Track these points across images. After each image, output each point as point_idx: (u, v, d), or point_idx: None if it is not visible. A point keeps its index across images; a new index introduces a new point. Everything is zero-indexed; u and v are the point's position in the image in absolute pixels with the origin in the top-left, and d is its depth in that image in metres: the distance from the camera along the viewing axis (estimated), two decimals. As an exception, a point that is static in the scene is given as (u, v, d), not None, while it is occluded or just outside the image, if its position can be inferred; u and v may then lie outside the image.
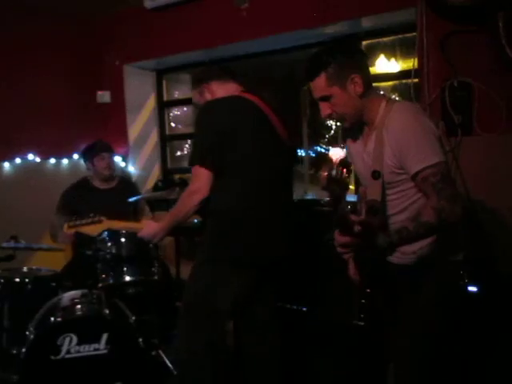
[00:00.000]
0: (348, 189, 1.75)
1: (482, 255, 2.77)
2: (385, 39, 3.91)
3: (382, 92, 2.21)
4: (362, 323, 2.03)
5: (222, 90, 2.63)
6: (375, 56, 3.96)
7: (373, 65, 3.97)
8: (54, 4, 4.35)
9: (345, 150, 2.14)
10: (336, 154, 1.72)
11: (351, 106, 2.05)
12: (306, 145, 5.04)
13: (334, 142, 5.79)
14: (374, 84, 3.82)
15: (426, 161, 1.90)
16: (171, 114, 5.27)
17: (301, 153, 5.07)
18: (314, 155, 5.79)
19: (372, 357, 2.35)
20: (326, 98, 2.05)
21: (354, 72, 2.03)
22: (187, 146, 5.37)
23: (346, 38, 3.86)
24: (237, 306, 2.51)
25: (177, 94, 5.27)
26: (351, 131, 2.19)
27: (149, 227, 2.57)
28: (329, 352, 2.84)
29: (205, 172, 2.38)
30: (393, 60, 3.90)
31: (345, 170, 1.72)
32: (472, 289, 2.62)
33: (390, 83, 3.92)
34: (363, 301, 2.02)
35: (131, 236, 3.12)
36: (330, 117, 2.09)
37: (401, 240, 1.89)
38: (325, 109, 2.07)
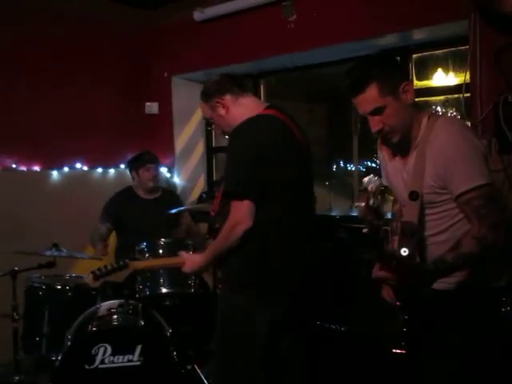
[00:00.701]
0: (384, 218, 1.65)
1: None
2: (436, 52, 3.78)
3: (430, 107, 2.08)
4: (403, 351, 1.92)
5: (238, 105, 2.45)
6: (426, 69, 3.83)
7: (424, 78, 3.85)
8: (104, 15, 4.46)
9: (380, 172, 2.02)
10: (371, 182, 1.62)
11: (404, 116, 1.92)
12: (356, 159, 4.93)
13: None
14: (425, 98, 3.81)
15: (471, 182, 1.79)
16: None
17: (350, 167, 4.97)
18: (363, 170, 5.68)
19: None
20: (378, 111, 1.90)
21: (404, 80, 1.93)
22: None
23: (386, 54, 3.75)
24: (273, 335, 2.40)
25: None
26: (393, 147, 2.07)
27: (192, 261, 2.45)
28: (366, 377, 2.73)
29: (245, 203, 2.21)
30: (444, 73, 3.76)
31: (380, 197, 1.63)
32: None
33: (442, 97, 3.78)
34: (404, 329, 1.90)
35: (169, 247, 3.10)
36: (381, 132, 1.94)
37: (438, 271, 1.80)
38: (376, 124, 1.92)
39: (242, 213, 2.22)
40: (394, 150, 2.08)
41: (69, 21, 4.38)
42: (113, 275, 2.59)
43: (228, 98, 2.45)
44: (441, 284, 1.91)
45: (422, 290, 1.83)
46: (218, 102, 2.45)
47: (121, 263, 2.55)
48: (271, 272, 2.32)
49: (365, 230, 1.66)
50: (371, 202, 1.60)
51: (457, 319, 1.90)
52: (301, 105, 5.78)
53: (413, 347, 1.91)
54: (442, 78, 3.76)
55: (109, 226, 3.82)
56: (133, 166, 4.02)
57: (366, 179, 1.63)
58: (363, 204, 1.61)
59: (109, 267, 2.53)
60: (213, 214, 3.02)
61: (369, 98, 1.89)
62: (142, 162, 3.95)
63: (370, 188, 1.60)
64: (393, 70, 1.95)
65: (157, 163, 4.00)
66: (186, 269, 2.47)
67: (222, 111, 2.45)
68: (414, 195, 1.88)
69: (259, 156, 2.24)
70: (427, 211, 1.93)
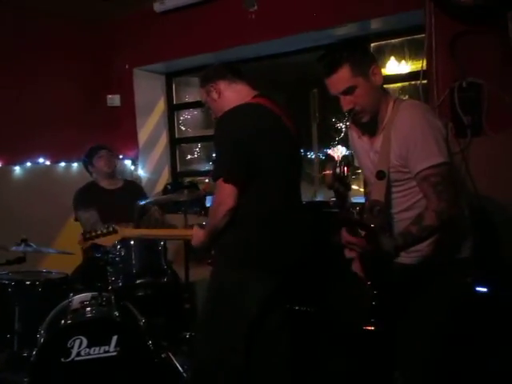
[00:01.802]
0: (350, 188, 1.73)
1: (492, 255, 2.76)
2: (394, 41, 3.90)
3: (391, 94, 2.19)
4: (373, 328, 2.01)
5: (230, 90, 2.58)
6: (384, 58, 3.95)
7: (382, 66, 3.96)
8: (64, 8, 4.40)
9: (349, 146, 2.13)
10: (338, 151, 1.70)
11: (373, 97, 2.04)
12: (315, 147, 5.03)
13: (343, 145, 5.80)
14: (384, 85, 3.93)
15: (429, 160, 1.91)
16: (181, 118, 5.29)
17: (310, 155, 5.07)
18: (323, 157, 5.81)
19: (381, 362, 2.34)
20: (349, 91, 2.01)
21: (373, 63, 2.06)
22: (197, 149, 5.38)
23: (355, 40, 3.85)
24: (262, 311, 2.48)
25: (187, 98, 5.29)
26: (362, 127, 2.17)
27: (197, 236, 2.53)
28: (337, 355, 2.83)
29: (227, 186, 2.32)
30: (402, 62, 3.89)
31: (346, 168, 1.70)
32: (481, 289, 2.60)
33: (399, 85, 3.91)
34: (373, 303, 1.99)
35: (140, 238, 3.12)
36: (351, 111, 2.04)
37: (405, 244, 1.90)
38: (347, 103, 2.03)
39: (224, 194, 2.33)
40: (363, 130, 2.18)
41: (27, 15, 4.32)
42: (102, 239, 2.63)
43: (221, 83, 2.57)
44: (407, 258, 2.02)
45: (389, 260, 1.91)
46: (212, 87, 2.58)
47: (110, 228, 2.61)
48: (262, 250, 2.41)
49: (332, 199, 1.74)
50: (337, 170, 1.67)
51: (424, 290, 2.01)
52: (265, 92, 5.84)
53: (383, 321, 2.01)
54: (400, 66, 3.89)
55: (93, 213, 3.77)
56: (87, 160, 4.02)
57: (332, 149, 1.71)
58: (330, 172, 1.69)
59: (98, 231, 2.60)
60: (203, 192, 3.08)
61: (341, 77, 2.01)
62: (93, 152, 3.98)
63: (336, 157, 1.68)
64: (363, 53, 2.08)
65: (107, 149, 4.01)
66: (193, 242, 2.56)
67: (216, 95, 2.58)
68: (380, 174, 2.00)
69: (244, 141, 2.35)
70: (393, 189, 2.04)
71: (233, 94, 2.56)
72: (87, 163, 4.03)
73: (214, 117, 2.67)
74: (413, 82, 3.71)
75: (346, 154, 1.70)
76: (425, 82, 3.34)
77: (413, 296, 2.02)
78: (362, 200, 2.91)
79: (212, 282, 2.53)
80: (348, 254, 1.91)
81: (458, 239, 2.07)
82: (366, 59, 2.05)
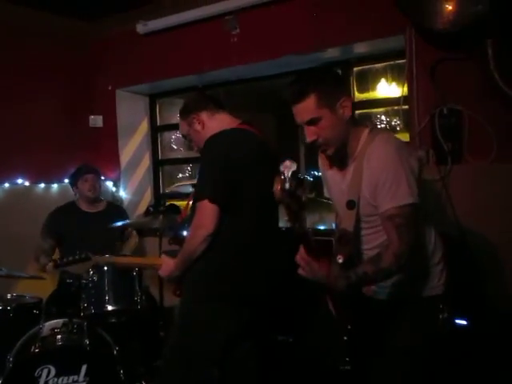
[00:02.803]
0: (304, 206, 1.66)
1: (472, 284, 2.71)
2: (376, 65, 3.89)
3: (372, 118, 2.14)
4: (348, 367, 1.95)
5: (213, 121, 2.56)
6: (367, 82, 3.94)
7: (364, 91, 3.95)
8: (45, 29, 4.37)
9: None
10: (288, 167, 1.62)
11: (339, 130, 1.96)
12: (303, 169, 4.99)
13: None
14: (366, 110, 3.92)
15: (396, 200, 1.85)
16: (172, 138, 5.22)
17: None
18: (311, 179, 5.77)
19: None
20: (313, 122, 1.94)
21: (343, 95, 1.97)
22: (187, 170, 5.33)
23: (325, 67, 3.85)
24: (231, 344, 2.42)
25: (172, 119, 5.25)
26: (331, 158, 2.12)
27: (167, 265, 2.46)
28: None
29: (212, 207, 2.26)
30: (384, 86, 3.87)
31: (296, 184, 1.63)
32: (461, 322, 2.55)
33: (382, 109, 3.89)
34: (345, 338, 1.93)
35: (113, 265, 3.05)
36: (315, 143, 1.98)
37: (359, 283, 1.85)
38: (310, 134, 1.96)
39: (205, 216, 2.28)
40: (332, 162, 2.13)
41: (7, 34, 4.27)
42: (74, 266, 2.56)
43: (204, 114, 2.57)
44: (380, 294, 1.97)
45: (344, 295, 1.86)
46: (195, 118, 2.56)
47: (83, 255, 2.56)
48: (233, 283, 2.34)
49: (285, 218, 1.68)
50: (286, 185, 1.61)
51: (397, 327, 1.96)
52: (247, 115, 5.82)
53: (355, 358, 1.95)
54: (382, 91, 3.87)
55: (51, 243, 3.74)
56: (72, 180, 3.99)
57: (281, 164, 1.64)
58: (278, 187, 1.62)
59: (70, 258, 2.54)
60: (180, 220, 3.05)
61: (306, 107, 1.94)
62: (79, 174, 3.93)
63: (285, 173, 1.61)
64: (333, 84, 2.00)
65: (94, 173, 3.95)
66: (161, 272, 2.50)
67: (198, 127, 2.56)
68: (351, 204, 1.95)
69: (228, 166, 2.31)
70: (364, 225, 1.99)
71: (216, 124, 2.53)
72: (72, 183, 3.98)
73: (195, 149, 2.63)
74: (395, 107, 3.70)
75: (296, 170, 1.61)
76: (406, 107, 3.32)
77: (386, 332, 1.96)
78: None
79: (179, 317, 2.46)
80: (301, 271, 1.83)
81: (433, 276, 2.02)
82: (335, 91, 1.96)
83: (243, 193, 2.35)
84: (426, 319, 2.00)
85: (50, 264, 2.53)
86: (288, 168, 1.61)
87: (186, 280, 2.45)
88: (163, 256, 2.52)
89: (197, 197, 2.35)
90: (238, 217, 2.35)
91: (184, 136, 2.68)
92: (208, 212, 2.28)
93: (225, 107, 2.68)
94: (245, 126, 2.52)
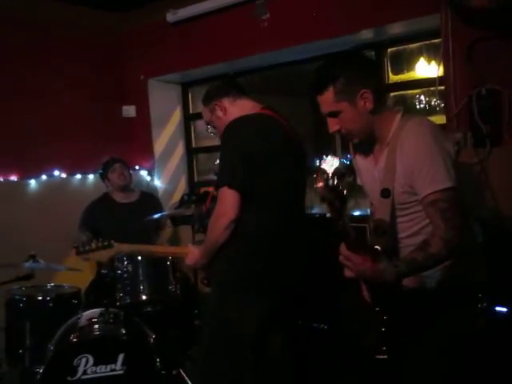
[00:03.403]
0: (346, 201, 1.61)
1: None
2: (411, 46, 3.77)
3: (397, 107, 2.06)
4: (385, 356, 1.90)
5: (235, 107, 2.53)
6: (401, 63, 3.83)
7: (399, 72, 3.84)
8: (79, 21, 4.41)
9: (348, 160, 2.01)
10: (329, 163, 1.57)
11: (360, 122, 1.92)
12: (339, 153, 4.92)
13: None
14: (401, 92, 3.81)
15: (437, 184, 1.78)
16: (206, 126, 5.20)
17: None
18: (348, 163, 5.70)
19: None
20: (333, 114, 1.92)
21: (364, 87, 1.90)
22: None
23: (358, 50, 3.76)
24: (263, 334, 2.40)
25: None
26: (362, 146, 2.06)
27: (192, 254, 2.46)
28: (347, 377, 2.73)
29: (232, 193, 2.24)
30: (419, 67, 3.75)
31: (339, 180, 1.59)
32: (501, 309, 2.47)
33: (418, 91, 3.79)
34: (382, 329, 1.89)
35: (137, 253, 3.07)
36: (338, 133, 1.95)
37: (409, 271, 1.78)
38: (332, 125, 1.94)
39: (226, 203, 2.26)
40: (362, 149, 2.08)
41: (42, 28, 4.34)
42: (96, 254, 2.54)
43: (226, 100, 2.53)
44: (418, 283, 1.91)
45: (391, 287, 1.80)
46: (217, 105, 2.53)
47: (105, 243, 2.53)
48: (258, 273, 2.32)
49: (328, 214, 1.63)
50: (330, 182, 1.57)
51: (434, 318, 1.90)
52: (283, 100, 5.76)
53: (392, 348, 1.90)
54: (417, 72, 3.76)
55: (88, 235, 3.80)
56: (102, 174, 4.07)
57: (324, 161, 1.59)
58: (321, 184, 1.58)
59: (93, 245, 2.52)
60: (204, 209, 3.04)
61: (325, 100, 1.92)
62: (107, 166, 4.02)
63: (327, 170, 1.57)
64: (354, 75, 1.92)
65: (122, 162, 4.02)
66: (188, 261, 2.50)
67: (220, 113, 2.53)
68: (385, 192, 1.89)
69: (248, 152, 2.28)
70: (399, 212, 1.93)
71: (238, 110, 2.49)
72: (103, 176, 4.07)
73: (218, 136, 2.60)
74: (432, 88, 3.59)
75: (338, 166, 1.56)
76: (442, 88, 3.21)
77: (422, 323, 1.90)
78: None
79: (209, 308, 2.46)
80: (347, 273, 1.79)
81: (471, 265, 1.94)
82: (355, 82, 1.90)
83: (267, 179, 2.32)
84: (465, 309, 1.93)
85: (73, 250, 2.53)
86: (330, 164, 1.57)
87: (213, 269, 2.45)
88: (189, 245, 2.51)
89: (217, 184, 2.34)
90: (263, 205, 2.33)
91: (207, 123, 2.65)
92: (228, 199, 2.26)
93: (247, 93, 2.64)
94: (266, 111, 2.48)
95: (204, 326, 2.52)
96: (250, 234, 2.31)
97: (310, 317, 3.18)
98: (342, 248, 1.75)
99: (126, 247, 2.65)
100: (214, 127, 2.61)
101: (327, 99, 1.91)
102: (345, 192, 1.60)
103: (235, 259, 2.34)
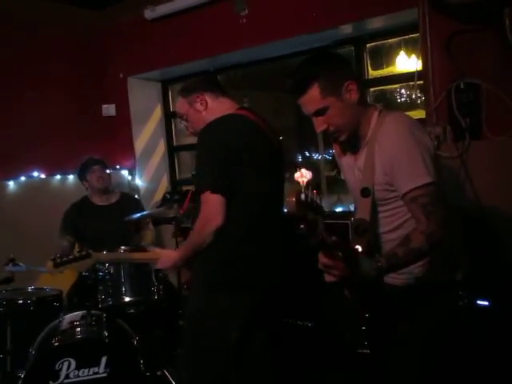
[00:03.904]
0: (323, 212, 1.60)
1: (493, 263, 2.64)
2: (390, 41, 3.77)
3: (375, 104, 2.05)
4: (367, 351, 1.90)
5: (216, 103, 2.51)
6: (380, 58, 3.83)
7: (378, 68, 3.85)
8: (54, 18, 4.35)
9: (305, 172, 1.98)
10: (303, 175, 1.55)
11: (349, 115, 1.90)
12: (321, 148, 4.92)
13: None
14: (381, 87, 3.82)
15: (417, 180, 1.78)
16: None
17: (316, 157, 4.96)
18: (330, 158, 5.70)
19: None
20: (320, 112, 1.88)
21: (348, 78, 1.89)
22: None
23: (337, 45, 3.79)
24: (245, 334, 2.38)
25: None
26: (343, 144, 2.05)
27: (167, 257, 2.45)
28: (330, 373, 2.74)
29: (216, 198, 2.22)
30: (398, 62, 3.76)
31: (315, 191, 1.57)
32: (482, 303, 2.48)
33: (397, 86, 3.79)
34: (363, 327, 1.89)
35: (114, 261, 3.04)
36: (326, 132, 1.92)
37: (390, 266, 1.76)
38: (319, 124, 1.90)
39: (212, 208, 2.24)
40: (345, 146, 2.06)
41: (16, 25, 4.26)
42: (74, 265, 2.51)
43: (208, 94, 2.50)
44: (397, 280, 1.92)
45: (372, 283, 1.79)
46: (198, 97, 2.49)
47: (83, 253, 2.50)
48: (240, 271, 2.32)
49: (302, 226, 1.61)
50: (303, 196, 1.54)
51: (414, 314, 1.90)
52: (266, 94, 5.74)
53: (374, 345, 1.90)
54: (397, 67, 3.76)
55: (69, 239, 3.76)
56: (81, 175, 4.00)
57: (297, 173, 1.57)
58: (293, 199, 1.55)
59: (70, 256, 2.49)
60: (182, 212, 3.02)
61: (310, 99, 1.87)
62: (86, 167, 3.94)
63: (301, 182, 1.55)
64: (335, 69, 1.91)
65: (101, 164, 3.95)
66: (160, 265, 2.47)
67: (201, 107, 2.49)
68: (365, 192, 1.88)
69: (227, 154, 2.26)
70: (380, 208, 1.92)
71: (219, 107, 2.47)
72: (81, 177, 4.00)
73: (190, 131, 2.57)
74: (411, 83, 3.59)
75: (311, 178, 1.55)
76: (421, 82, 3.22)
77: (403, 320, 1.90)
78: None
79: (189, 310, 2.44)
80: (328, 278, 1.78)
81: (451, 261, 1.94)
82: (338, 76, 1.88)
83: (242, 180, 2.30)
84: (445, 305, 1.93)
85: (50, 263, 2.48)
86: (303, 177, 1.55)
87: (193, 269, 2.44)
88: (157, 249, 2.55)
89: (198, 188, 2.32)
90: (240, 205, 2.30)
91: (181, 116, 2.60)
92: (213, 204, 2.23)
93: (227, 92, 2.61)
94: (242, 112, 2.47)
95: (185, 328, 2.48)
96: (228, 234, 2.28)
97: (295, 315, 3.17)
98: (320, 256, 1.72)
99: (103, 256, 2.64)
100: (187, 121, 2.55)
101: (313, 97, 1.87)
102: (318, 201, 1.59)
103: (213, 259, 2.33)
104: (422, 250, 1.76)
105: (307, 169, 1.58)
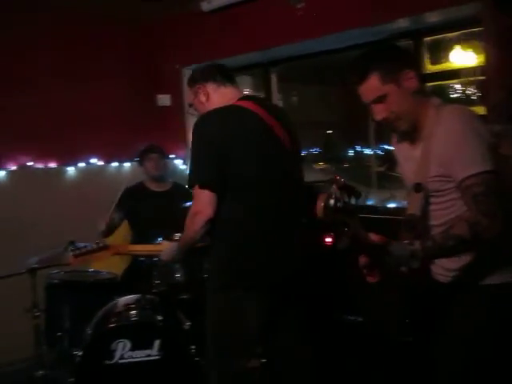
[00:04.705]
0: (355, 214, 1.61)
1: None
2: (449, 35, 3.70)
3: (434, 96, 2.03)
4: (411, 339, 1.91)
5: (218, 94, 2.46)
6: (439, 53, 3.76)
7: (437, 62, 3.78)
8: (113, 11, 4.47)
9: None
10: (334, 181, 1.58)
11: (408, 103, 1.90)
12: (372, 143, 4.87)
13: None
14: (439, 82, 3.75)
15: (472, 168, 1.75)
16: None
17: (367, 152, 4.93)
18: (382, 153, 5.62)
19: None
20: (379, 99, 1.89)
21: (407, 67, 1.90)
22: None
23: (394, 39, 3.72)
24: (263, 332, 2.38)
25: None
26: (401, 134, 2.05)
27: (169, 249, 2.53)
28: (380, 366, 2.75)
29: (204, 193, 2.22)
30: (458, 56, 3.68)
31: (346, 194, 1.58)
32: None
33: (455, 81, 3.72)
34: (407, 320, 1.89)
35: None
36: (386, 120, 1.93)
37: (425, 250, 1.74)
38: (379, 112, 1.91)
39: (201, 202, 2.25)
40: (403, 137, 2.06)
41: (76, 17, 4.40)
42: (93, 255, 2.63)
43: (210, 85, 2.47)
44: (445, 276, 1.91)
45: (409, 266, 1.76)
46: (200, 88, 2.48)
47: (101, 244, 2.61)
48: (252, 268, 2.31)
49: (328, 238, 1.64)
50: (331, 201, 1.56)
51: (465, 302, 1.88)
52: (314, 88, 5.73)
53: (418, 338, 1.90)
54: (456, 61, 3.69)
55: (121, 216, 3.87)
56: (139, 160, 4.11)
57: (329, 181, 1.60)
58: (322, 204, 1.57)
59: (89, 247, 2.60)
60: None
61: (370, 86, 1.89)
62: (144, 153, 4.05)
63: (331, 189, 1.57)
64: (394, 57, 1.93)
65: (158, 152, 4.04)
66: (162, 256, 2.57)
67: (203, 98, 2.48)
68: (417, 187, 1.88)
69: (218, 145, 2.24)
70: (434, 200, 1.91)
71: (219, 98, 2.44)
72: (140, 165, 4.11)
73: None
74: (470, 78, 3.52)
75: (343, 181, 1.58)
76: (482, 78, 3.16)
77: (454, 308, 1.89)
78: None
79: (208, 309, 2.45)
80: (370, 279, 1.78)
81: (507, 261, 1.88)
82: (397, 64, 1.90)
83: (242, 174, 2.27)
84: (496, 311, 1.87)
85: (71, 254, 2.59)
86: (334, 183, 1.58)
87: (208, 269, 2.48)
88: (164, 242, 2.59)
89: (188, 183, 2.33)
90: (243, 200, 2.30)
91: (190, 105, 2.61)
92: (201, 198, 2.24)
93: (234, 81, 2.55)
94: (243, 102, 2.39)
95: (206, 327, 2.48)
96: (235, 232, 2.30)
97: (345, 310, 3.19)
98: (360, 258, 1.76)
99: (121, 248, 2.82)
100: (195, 110, 2.55)
101: (372, 85, 1.89)
102: (353, 202, 1.60)
103: (225, 259, 2.34)
104: (464, 237, 1.72)
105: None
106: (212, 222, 2.26)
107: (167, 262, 2.60)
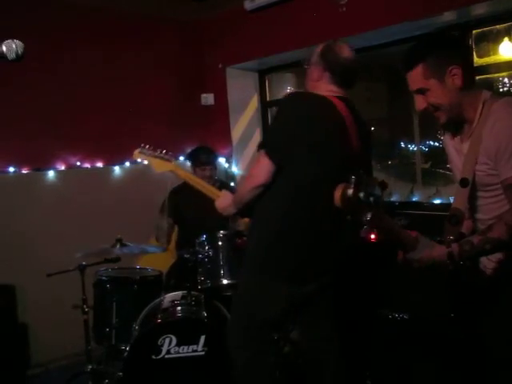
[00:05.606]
0: (376, 205, 1.59)
1: None
2: (497, 27, 3.61)
3: (484, 90, 1.99)
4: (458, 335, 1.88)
5: (320, 83, 2.40)
6: (487, 45, 3.67)
7: (485, 55, 3.69)
8: (157, 10, 4.53)
9: None
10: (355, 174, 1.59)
11: (449, 99, 1.90)
12: (417, 139, 4.79)
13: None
14: (486, 75, 3.66)
15: None
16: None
17: (412, 148, 4.85)
18: (426, 150, 5.53)
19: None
20: (421, 91, 1.92)
21: (454, 63, 1.88)
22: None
23: (441, 32, 3.63)
24: (287, 319, 2.47)
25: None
26: (451, 127, 2.03)
27: (225, 198, 2.58)
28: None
29: (265, 160, 2.24)
30: (507, 49, 3.58)
31: (371, 186, 1.57)
32: None
33: (504, 74, 3.62)
34: (452, 314, 1.86)
35: (228, 239, 3.14)
36: (426, 111, 1.95)
37: (461, 252, 1.73)
38: (420, 102, 1.94)
39: (259, 167, 2.28)
40: (454, 131, 2.04)
41: (122, 18, 4.50)
42: (154, 160, 2.86)
43: (326, 75, 2.42)
44: (489, 269, 1.88)
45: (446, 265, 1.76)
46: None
47: (166, 156, 2.83)
48: (289, 260, 2.32)
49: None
50: (349, 191, 1.56)
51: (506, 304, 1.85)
52: (359, 84, 5.67)
53: (464, 332, 1.87)
54: (505, 54, 3.59)
55: (170, 221, 3.90)
56: (191, 162, 4.06)
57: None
58: (338, 195, 1.58)
59: (155, 152, 2.82)
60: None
61: (415, 77, 1.93)
62: (198, 162, 3.94)
63: (351, 179, 1.57)
64: (443, 52, 1.92)
65: (212, 164, 3.95)
66: (217, 203, 2.63)
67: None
68: (463, 182, 1.87)
69: (295, 127, 2.25)
70: (483, 194, 1.90)
71: (322, 86, 2.40)
72: (191, 164, 4.03)
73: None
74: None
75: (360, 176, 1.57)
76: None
77: (501, 294, 1.86)
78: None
79: (238, 288, 2.54)
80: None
81: None
82: (444, 60, 1.88)
83: (306, 164, 2.27)
84: None
85: (136, 150, 2.87)
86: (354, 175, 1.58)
87: (245, 253, 2.49)
88: (224, 191, 2.65)
89: (259, 143, 2.35)
90: (297, 192, 2.30)
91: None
92: (261, 164, 2.27)
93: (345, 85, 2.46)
94: (334, 99, 2.36)
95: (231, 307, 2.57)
96: (281, 221, 2.31)
97: (391, 307, 3.14)
98: (400, 257, 1.79)
99: (180, 170, 2.95)
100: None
101: (416, 76, 1.91)
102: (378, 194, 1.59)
103: (265, 243, 2.35)
104: (501, 240, 1.71)
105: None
106: (262, 199, 2.31)
107: (220, 210, 2.63)
